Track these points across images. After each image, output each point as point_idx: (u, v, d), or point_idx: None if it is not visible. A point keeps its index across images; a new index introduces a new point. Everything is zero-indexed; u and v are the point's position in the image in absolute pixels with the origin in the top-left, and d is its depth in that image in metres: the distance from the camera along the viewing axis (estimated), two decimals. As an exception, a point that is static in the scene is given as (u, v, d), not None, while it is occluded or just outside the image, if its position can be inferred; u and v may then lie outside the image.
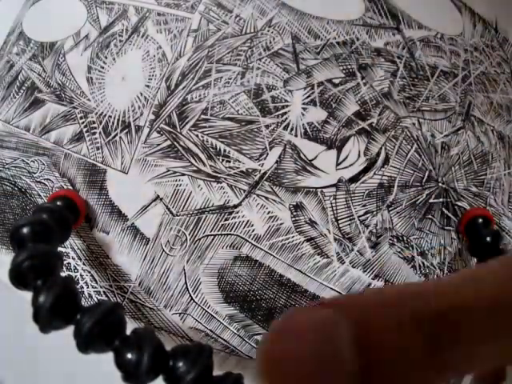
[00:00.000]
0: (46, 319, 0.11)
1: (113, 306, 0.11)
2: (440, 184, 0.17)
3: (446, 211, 0.17)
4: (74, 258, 0.16)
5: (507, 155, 0.19)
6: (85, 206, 0.15)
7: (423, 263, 0.16)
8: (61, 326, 0.11)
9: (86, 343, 0.10)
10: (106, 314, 0.11)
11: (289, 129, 0.15)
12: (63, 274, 0.12)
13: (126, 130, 0.16)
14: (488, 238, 0.15)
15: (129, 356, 0.10)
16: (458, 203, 0.17)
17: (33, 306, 0.11)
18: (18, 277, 0.11)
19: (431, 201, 0.17)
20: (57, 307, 0.11)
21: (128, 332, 0.11)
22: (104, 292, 0.16)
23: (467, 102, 0.17)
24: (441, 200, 0.17)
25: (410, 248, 0.16)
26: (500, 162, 0.18)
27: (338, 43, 0.16)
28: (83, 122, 0.16)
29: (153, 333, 0.11)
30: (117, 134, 0.16)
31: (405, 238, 0.16)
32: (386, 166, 0.16)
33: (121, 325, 0.11)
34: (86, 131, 0.16)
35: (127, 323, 0.11)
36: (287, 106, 0.15)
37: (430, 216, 0.17)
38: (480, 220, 0.16)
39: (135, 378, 0.10)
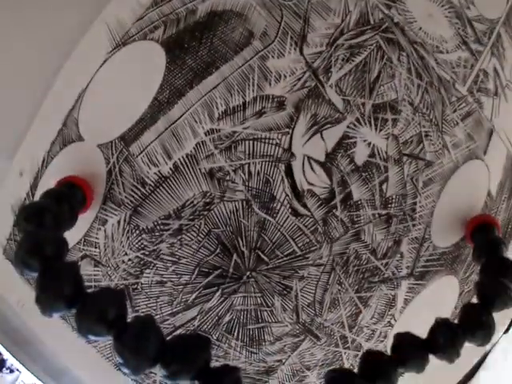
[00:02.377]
0: (49, 302, 0.10)
1: (115, 293, 0.11)
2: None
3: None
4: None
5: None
6: (92, 194, 0.14)
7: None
8: (62, 310, 0.10)
9: (87, 328, 0.10)
10: (108, 301, 0.10)
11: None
12: (68, 260, 0.11)
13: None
14: (494, 245, 0.15)
15: (128, 343, 0.10)
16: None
17: (36, 288, 0.10)
18: (24, 259, 0.11)
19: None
20: (60, 291, 0.10)
21: (129, 319, 0.11)
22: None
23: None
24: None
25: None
26: None
27: None
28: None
29: (153, 321, 0.11)
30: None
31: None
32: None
33: (122, 312, 0.11)
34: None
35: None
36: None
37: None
38: (486, 226, 0.15)
39: (133, 366, 0.10)
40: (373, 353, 0.12)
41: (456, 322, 0.12)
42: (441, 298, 0.16)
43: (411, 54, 0.15)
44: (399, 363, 0.12)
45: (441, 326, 0.12)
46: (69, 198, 0.13)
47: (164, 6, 0.14)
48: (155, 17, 0.14)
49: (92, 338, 0.10)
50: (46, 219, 0.12)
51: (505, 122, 0.17)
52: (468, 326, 0.12)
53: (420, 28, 0.16)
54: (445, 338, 0.12)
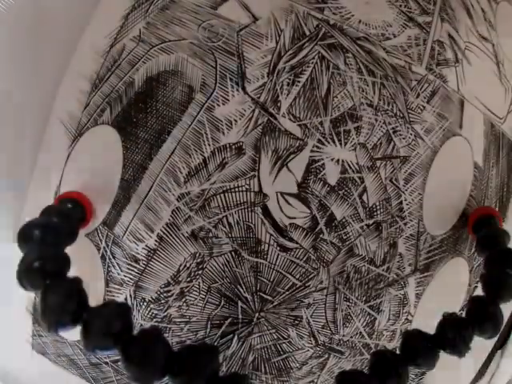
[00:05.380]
0: (54, 319, 0.10)
1: (120, 306, 0.11)
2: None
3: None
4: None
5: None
6: (92, 209, 0.14)
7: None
8: (68, 325, 0.10)
9: (94, 342, 0.10)
10: (113, 314, 0.10)
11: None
12: (70, 275, 0.11)
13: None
14: (497, 237, 0.14)
15: (136, 356, 0.10)
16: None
17: (40, 306, 0.10)
18: (26, 277, 0.11)
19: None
20: (64, 307, 0.10)
21: (135, 332, 0.11)
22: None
23: None
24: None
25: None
26: None
27: None
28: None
29: (160, 333, 0.11)
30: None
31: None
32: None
33: (128, 325, 0.11)
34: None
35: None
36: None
37: None
38: (488, 219, 0.15)
39: (142, 378, 0.10)
40: (382, 352, 0.12)
41: (463, 315, 0.12)
42: (452, 281, 0.16)
43: (357, 52, 0.14)
44: (409, 361, 0.12)
45: (448, 320, 0.12)
46: (69, 213, 0.13)
47: (103, 86, 0.14)
48: (99, 100, 0.14)
49: (99, 352, 0.10)
50: (45, 236, 0.12)
51: (474, 87, 0.16)
52: (476, 319, 0.12)
53: (359, 21, 0.15)
54: (453, 333, 0.12)
